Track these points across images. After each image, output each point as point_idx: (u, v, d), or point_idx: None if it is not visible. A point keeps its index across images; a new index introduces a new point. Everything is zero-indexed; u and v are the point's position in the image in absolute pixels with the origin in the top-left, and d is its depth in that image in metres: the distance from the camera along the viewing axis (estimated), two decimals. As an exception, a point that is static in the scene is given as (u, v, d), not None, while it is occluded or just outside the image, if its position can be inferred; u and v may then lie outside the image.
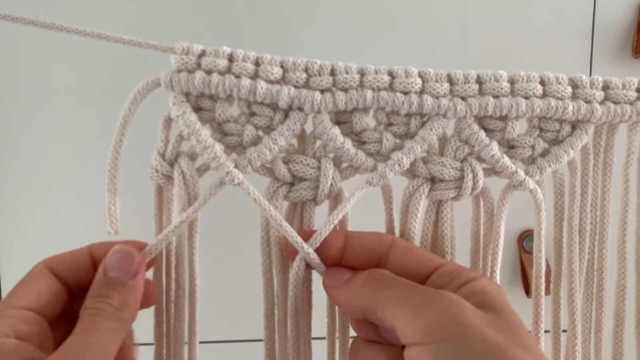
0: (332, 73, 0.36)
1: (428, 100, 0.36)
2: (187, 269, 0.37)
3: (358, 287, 0.33)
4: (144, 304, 0.34)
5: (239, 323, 0.79)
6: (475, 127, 0.37)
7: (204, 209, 0.36)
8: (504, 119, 0.37)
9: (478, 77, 0.37)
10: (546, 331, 0.41)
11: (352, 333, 0.38)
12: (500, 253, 0.39)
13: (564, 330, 0.42)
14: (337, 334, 0.40)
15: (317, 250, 0.35)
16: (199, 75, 0.35)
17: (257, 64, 0.35)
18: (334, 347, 0.40)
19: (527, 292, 0.85)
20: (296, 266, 0.36)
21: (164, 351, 0.38)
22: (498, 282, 0.40)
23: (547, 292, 0.42)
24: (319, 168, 0.36)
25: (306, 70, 0.36)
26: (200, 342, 0.38)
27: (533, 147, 0.38)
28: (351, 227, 0.38)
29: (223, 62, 0.35)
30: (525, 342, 0.29)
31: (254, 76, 0.35)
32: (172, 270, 0.37)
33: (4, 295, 0.78)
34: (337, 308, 0.39)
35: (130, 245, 0.34)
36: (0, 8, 0.35)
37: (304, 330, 0.38)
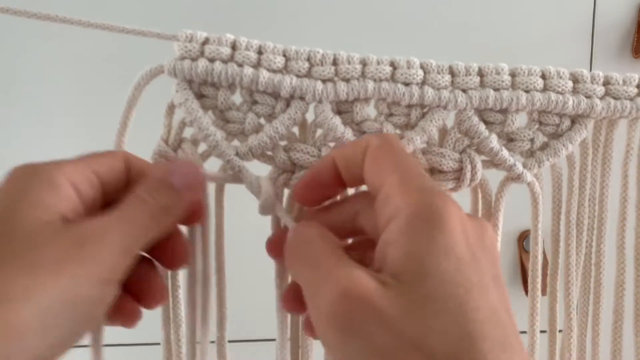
0: (335, 63, 0.36)
1: (429, 91, 0.36)
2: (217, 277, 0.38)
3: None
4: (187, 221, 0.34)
5: (246, 323, 0.78)
6: (475, 119, 0.37)
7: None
8: (504, 111, 0.38)
9: (479, 69, 0.37)
10: (542, 331, 0.41)
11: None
12: (498, 245, 0.39)
13: (560, 331, 0.42)
14: None
15: None
16: (202, 63, 0.35)
17: (259, 52, 0.36)
18: None
19: (528, 292, 0.84)
20: None
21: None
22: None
23: (544, 292, 0.42)
24: (319, 157, 0.36)
25: (308, 59, 0.36)
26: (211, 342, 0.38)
27: (532, 140, 0.38)
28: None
29: (226, 50, 0.35)
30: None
31: (257, 65, 0.36)
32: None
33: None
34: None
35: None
36: (2, 1, 0.36)
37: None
